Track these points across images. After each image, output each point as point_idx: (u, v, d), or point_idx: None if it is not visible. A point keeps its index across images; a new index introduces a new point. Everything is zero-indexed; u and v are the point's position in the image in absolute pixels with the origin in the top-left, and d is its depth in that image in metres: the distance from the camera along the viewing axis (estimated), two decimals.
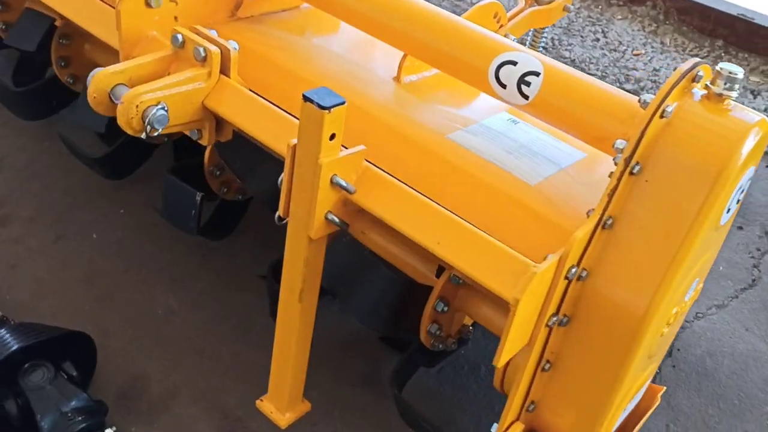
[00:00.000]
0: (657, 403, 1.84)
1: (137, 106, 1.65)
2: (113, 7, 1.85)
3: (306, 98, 1.44)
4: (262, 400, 1.92)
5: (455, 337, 1.85)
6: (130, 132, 1.68)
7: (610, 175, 1.37)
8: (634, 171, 1.36)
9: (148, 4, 1.86)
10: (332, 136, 1.46)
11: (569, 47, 3.84)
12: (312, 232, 1.56)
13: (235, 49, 1.76)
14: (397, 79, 1.96)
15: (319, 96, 1.43)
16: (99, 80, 1.69)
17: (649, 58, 3.75)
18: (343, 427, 2.11)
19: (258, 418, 2.00)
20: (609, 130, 1.50)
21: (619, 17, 4.02)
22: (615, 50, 3.81)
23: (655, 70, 3.65)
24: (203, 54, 1.73)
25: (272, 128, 1.69)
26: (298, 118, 1.49)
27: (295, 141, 1.51)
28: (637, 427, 1.79)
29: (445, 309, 1.71)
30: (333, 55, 2.05)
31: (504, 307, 1.36)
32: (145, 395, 2.16)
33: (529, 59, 1.63)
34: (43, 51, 2.47)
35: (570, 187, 1.65)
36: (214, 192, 2.22)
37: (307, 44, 2.10)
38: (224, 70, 1.77)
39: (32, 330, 1.95)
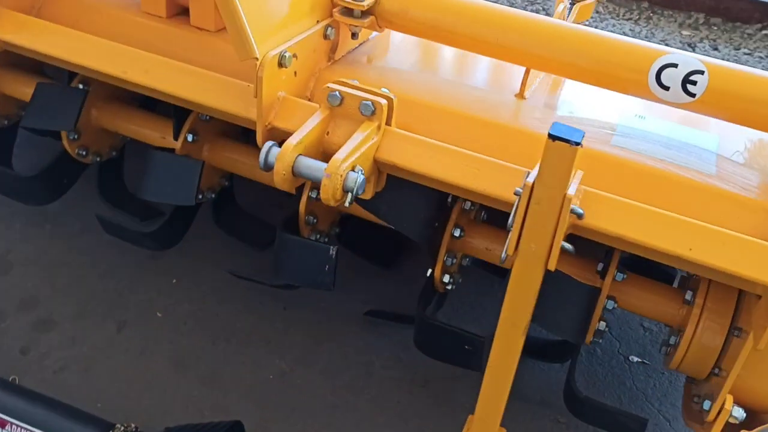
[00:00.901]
0: None
1: (341, 176, 1.56)
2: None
3: (555, 137, 1.44)
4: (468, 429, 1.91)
5: None
6: (332, 203, 1.59)
7: None
8: None
9: (281, 65, 1.75)
10: None
11: None
12: (551, 263, 1.58)
13: (394, 97, 1.71)
14: (520, 95, 1.99)
15: (566, 133, 1.45)
16: (285, 157, 1.58)
17: (593, 26, 4.00)
18: None
19: None
20: None
21: None
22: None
23: None
24: (373, 108, 1.66)
25: (466, 169, 1.67)
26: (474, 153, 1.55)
27: (531, 179, 1.51)
28: None
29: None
30: (449, 81, 2.04)
31: None
32: None
33: (689, 59, 1.73)
34: None
35: (742, 169, 1.79)
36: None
37: (419, 74, 2.06)
38: (387, 120, 1.72)
39: None
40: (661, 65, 1.74)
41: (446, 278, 2.15)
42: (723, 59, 3.96)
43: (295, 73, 1.84)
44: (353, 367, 2.38)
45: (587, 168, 1.70)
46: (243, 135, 2.34)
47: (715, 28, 3.94)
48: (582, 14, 2.48)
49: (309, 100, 1.94)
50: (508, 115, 1.91)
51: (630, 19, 4.02)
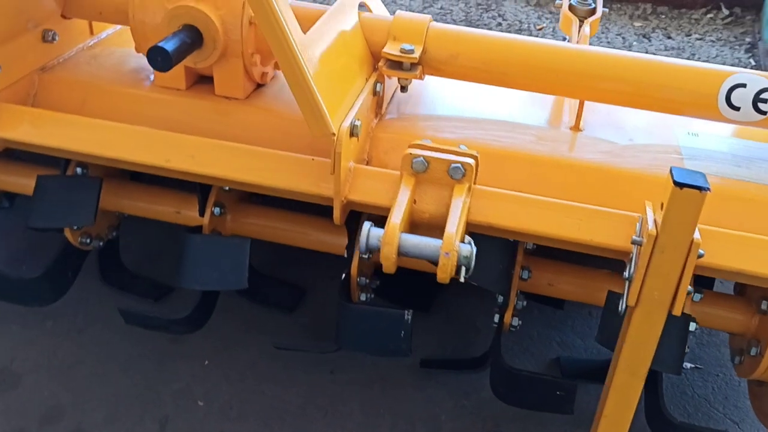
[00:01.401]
0: None
1: (457, 251, 1.46)
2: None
3: (682, 184, 1.40)
4: None
5: None
6: (444, 281, 1.48)
7: None
8: None
9: (353, 134, 1.62)
10: None
11: None
12: (677, 308, 1.54)
13: (477, 154, 1.62)
14: (575, 128, 1.94)
15: (692, 179, 1.40)
16: (393, 239, 1.46)
17: (551, 29, 4.02)
18: None
19: None
20: None
21: None
22: (520, 30, 4.02)
23: (564, 38, 3.93)
24: (463, 170, 1.57)
25: (566, 221, 1.60)
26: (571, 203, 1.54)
27: (652, 227, 1.46)
28: None
29: None
30: (499, 123, 1.96)
31: None
32: None
33: (755, 78, 1.73)
34: None
35: None
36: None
37: (468, 119, 1.97)
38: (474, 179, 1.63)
39: None
40: (730, 86, 1.73)
41: (515, 321, 2.08)
42: (678, 47, 4.11)
43: (358, 138, 1.72)
44: (420, 424, 2.27)
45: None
46: (256, 196, 2.20)
47: (663, 16, 4.05)
48: (593, 29, 2.46)
49: (367, 163, 1.82)
50: (576, 151, 1.85)
51: None
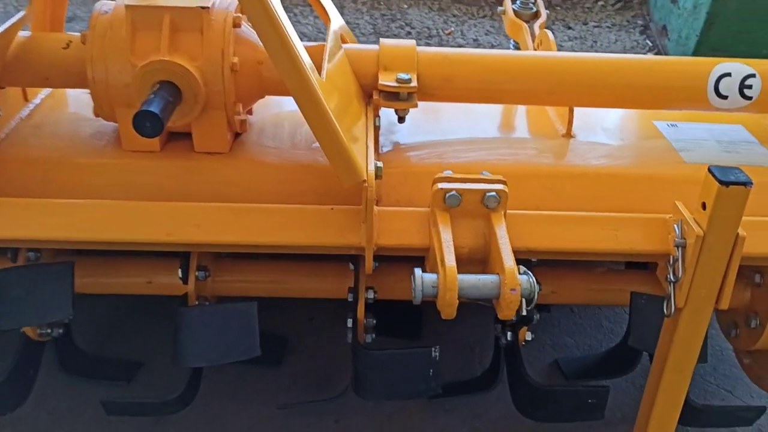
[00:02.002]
0: None
1: (520, 285, 1.40)
2: None
3: (728, 182, 1.41)
4: None
5: None
6: (509, 317, 1.42)
7: None
8: None
9: (378, 177, 1.52)
10: None
11: None
12: (723, 302, 1.56)
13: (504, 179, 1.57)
14: (567, 134, 1.93)
15: (735, 176, 1.42)
16: (453, 283, 1.38)
17: (459, 32, 4.03)
18: None
19: None
20: None
21: (406, 5, 4.19)
22: (430, 36, 4.00)
23: (474, 39, 3.96)
24: (499, 198, 1.51)
25: (602, 233, 1.59)
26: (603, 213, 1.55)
27: (698, 229, 1.47)
28: None
29: None
30: (494, 140, 1.92)
31: None
32: None
33: (738, 66, 1.79)
34: None
35: None
36: None
37: (464, 140, 1.91)
38: None
39: None
40: (718, 76, 1.78)
41: (529, 336, 2.05)
42: (580, 36, 4.25)
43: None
44: None
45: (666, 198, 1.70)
46: None
47: (559, 8, 4.19)
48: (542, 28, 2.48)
49: (377, 202, 1.72)
50: (580, 159, 1.84)
51: (485, 16, 4.12)
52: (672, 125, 2.02)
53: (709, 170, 1.45)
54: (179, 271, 1.92)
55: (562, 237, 1.57)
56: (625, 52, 3.94)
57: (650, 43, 4.01)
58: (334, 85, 1.54)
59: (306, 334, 2.55)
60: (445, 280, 1.38)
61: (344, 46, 1.78)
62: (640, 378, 2.58)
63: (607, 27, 4.13)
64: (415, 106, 1.73)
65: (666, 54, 3.82)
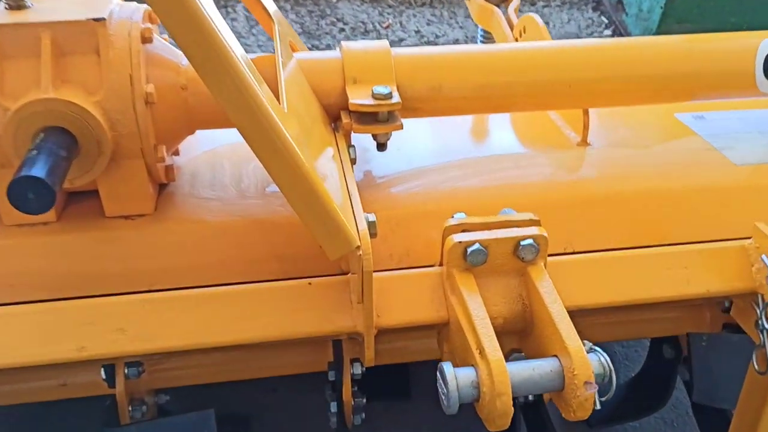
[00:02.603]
0: None
1: (593, 370, 1.00)
2: None
3: None
4: None
5: None
6: (581, 419, 1.02)
7: None
8: None
9: (372, 235, 1.09)
10: None
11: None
12: None
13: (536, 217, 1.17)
14: (583, 142, 1.54)
15: None
16: (504, 384, 0.96)
17: (398, 23, 3.62)
18: None
19: None
20: None
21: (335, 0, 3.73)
22: (366, 32, 3.57)
23: (416, 31, 3.56)
24: (537, 247, 1.11)
25: (665, 274, 1.20)
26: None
27: None
28: None
29: None
30: (498, 159, 1.51)
31: None
32: None
33: None
34: None
35: None
36: None
37: (460, 164, 1.49)
38: None
39: None
40: (765, 55, 1.43)
41: None
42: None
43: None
44: None
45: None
46: None
47: None
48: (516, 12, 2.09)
49: None
50: (609, 175, 1.45)
51: (423, 4, 3.70)
52: (698, 117, 1.66)
53: None
54: (102, 371, 1.45)
55: (621, 286, 1.18)
56: (581, 32, 3.62)
57: (606, 20, 3.70)
58: (294, 114, 1.10)
59: (270, 410, 2.11)
60: (492, 380, 0.96)
61: (296, 55, 1.34)
62: (670, 412, 2.25)
63: (557, 6, 3.80)
64: (400, 127, 1.31)
65: (626, 31, 3.51)
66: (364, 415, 1.65)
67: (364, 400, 1.59)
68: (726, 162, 1.47)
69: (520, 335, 1.16)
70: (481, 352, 1.00)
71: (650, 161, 1.48)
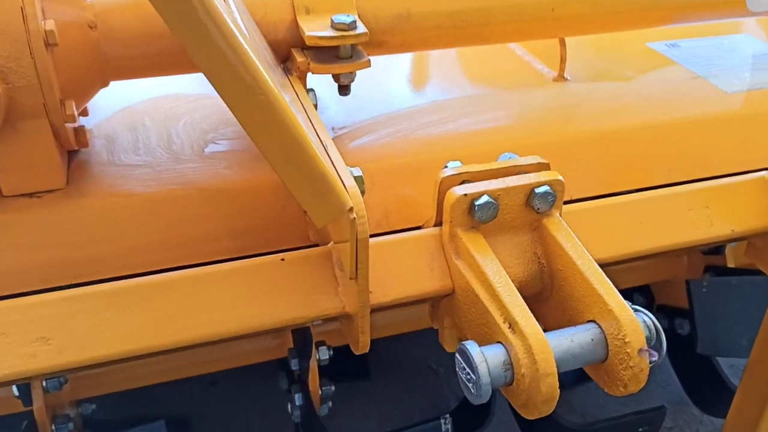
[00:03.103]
0: None
1: (643, 332, 0.84)
2: None
3: None
4: None
5: None
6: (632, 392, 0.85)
7: None
8: None
9: (363, 192, 0.88)
10: None
11: None
12: None
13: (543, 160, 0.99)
14: (560, 77, 1.37)
15: None
16: (548, 362, 0.78)
17: None
18: None
19: None
20: None
21: None
22: None
23: None
24: (554, 193, 0.93)
25: (687, 215, 1.05)
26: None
27: None
28: None
29: None
30: (473, 99, 1.32)
31: None
32: None
33: None
34: None
35: None
36: None
37: (437, 109, 1.28)
38: None
39: None
40: None
41: None
42: None
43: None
44: None
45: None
46: None
47: None
48: None
49: None
50: (599, 111, 1.29)
51: None
52: (673, 45, 1.53)
53: None
54: (14, 388, 1.19)
55: (644, 233, 1.02)
56: None
57: None
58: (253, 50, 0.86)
59: (211, 408, 1.88)
60: (534, 358, 0.78)
61: None
62: None
63: None
64: (368, 64, 1.09)
65: None
66: (331, 403, 1.45)
67: (333, 388, 1.39)
68: (717, 91, 1.34)
69: (535, 299, 0.98)
70: (513, 325, 0.81)
71: (638, 94, 1.33)
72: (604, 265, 1.00)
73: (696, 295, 1.38)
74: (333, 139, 1.18)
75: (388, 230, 1.08)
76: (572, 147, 1.17)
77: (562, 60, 1.35)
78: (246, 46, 0.67)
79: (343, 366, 1.77)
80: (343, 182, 0.83)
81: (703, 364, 1.62)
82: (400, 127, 1.20)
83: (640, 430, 1.45)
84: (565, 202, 1.10)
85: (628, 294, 1.79)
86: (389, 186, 1.09)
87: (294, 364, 1.38)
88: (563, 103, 1.29)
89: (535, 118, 1.24)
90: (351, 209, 0.80)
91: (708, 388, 1.62)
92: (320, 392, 1.36)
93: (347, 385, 1.99)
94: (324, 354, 1.36)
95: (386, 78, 1.38)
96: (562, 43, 1.34)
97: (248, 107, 0.69)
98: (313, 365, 1.33)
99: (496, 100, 1.29)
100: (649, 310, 1.74)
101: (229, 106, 0.70)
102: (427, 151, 1.14)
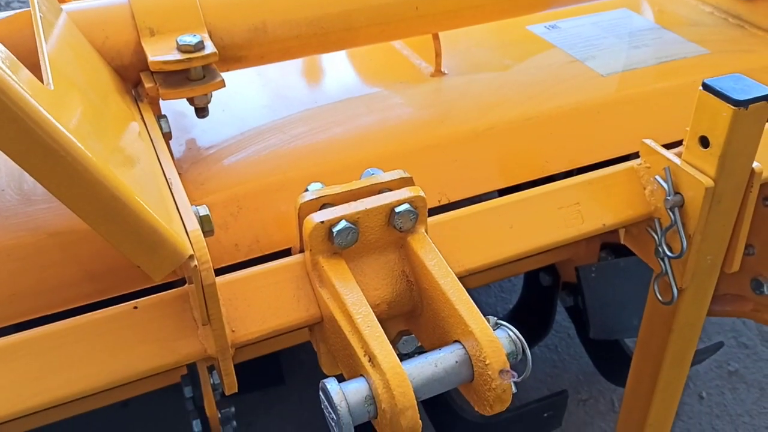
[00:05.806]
0: None
1: (504, 350, 0.83)
2: None
3: (746, 101, 0.93)
4: None
5: None
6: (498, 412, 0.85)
7: None
8: None
9: (206, 232, 0.84)
10: None
11: None
12: (734, 265, 1.12)
13: (407, 174, 0.97)
14: (437, 71, 1.35)
15: (747, 90, 0.95)
16: (406, 395, 0.77)
17: None
18: None
19: None
20: None
21: None
22: None
23: None
24: (416, 211, 0.91)
25: (557, 214, 1.05)
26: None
27: (702, 177, 0.99)
28: None
29: None
30: (349, 105, 1.27)
31: None
32: None
33: None
34: None
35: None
36: None
37: (300, 115, 1.24)
38: None
39: None
40: None
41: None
42: None
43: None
44: None
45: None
46: None
47: None
48: None
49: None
50: (476, 106, 1.26)
51: None
52: (552, 27, 1.52)
53: (707, 87, 0.95)
54: None
55: (515, 236, 1.01)
56: None
57: None
58: (72, 90, 0.80)
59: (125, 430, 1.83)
60: (391, 394, 0.76)
61: (65, 7, 1.02)
62: (552, 336, 2.20)
63: None
64: (222, 84, 1.04)
65: None
66: (235, 423, 1.42)
67: (232, 409, 1.36)
68: (592, 74, 1.33)
69: (408, 316, 0.97)
70: (372, 359, 0.79)
71: (515, 83, 1.31)
72: (478, 272, 1.00)
73: (586, 282, 1.40)
74: (199, 160, 1.14)
75: (260, 254, 1.05)
76: (446, 149, 1.15)
77: (437, 54, 1.32)
78: (30, 99, 0.61)
79: (256, 374, 1.75)
80: (184, 225, 0.79)
81: (606, 339, 1.65)
82: (270, 142, 1.16)
83: (545, 415, 1.47)
84: (441, 207, 1.08)
85: (534, 274, 1.81)
86: (257, 209, 1.05)
87: (188, 392, 1.34)
88: (438, 101, 1.26)
89: (409, 120, 1.21)
90: (191, 257, 0.76)
91: (613, 361, 1.66)
92: (219, 416, 1.33)
93: (262, 392, 1.98)
94: (217, 377, 1.33)
95: (257, 87, 1.33)
96: (435, 38, 1.31)
97: (48, 172, 0.63)
98: (207, 390, 1.29)
99: (369, 104, 1.26)
100: (555, 289, 1.76)
101: (26, 170, 0.64)
102: (296, 167, 1.10)
